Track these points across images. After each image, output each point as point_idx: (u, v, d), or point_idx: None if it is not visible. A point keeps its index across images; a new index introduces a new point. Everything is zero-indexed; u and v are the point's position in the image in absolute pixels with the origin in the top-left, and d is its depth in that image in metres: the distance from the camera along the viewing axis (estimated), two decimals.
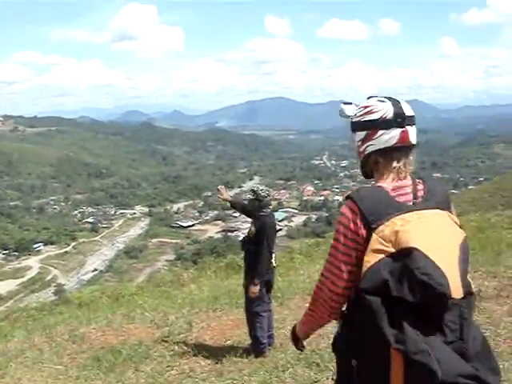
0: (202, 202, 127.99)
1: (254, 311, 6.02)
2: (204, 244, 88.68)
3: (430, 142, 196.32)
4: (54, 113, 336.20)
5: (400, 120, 2.34)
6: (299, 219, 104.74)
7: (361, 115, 2.42)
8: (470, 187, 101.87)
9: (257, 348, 5.92)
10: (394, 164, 2.35)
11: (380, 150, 2.36)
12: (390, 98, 2.40)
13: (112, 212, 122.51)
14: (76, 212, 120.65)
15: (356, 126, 2.45)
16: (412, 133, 2.38)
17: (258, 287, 5.90)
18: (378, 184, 2.34)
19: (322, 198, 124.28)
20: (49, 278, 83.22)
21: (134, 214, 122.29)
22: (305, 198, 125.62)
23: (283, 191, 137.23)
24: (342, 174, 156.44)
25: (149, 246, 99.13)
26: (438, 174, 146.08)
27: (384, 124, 2.33)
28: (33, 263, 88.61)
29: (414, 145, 2.41)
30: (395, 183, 2.32)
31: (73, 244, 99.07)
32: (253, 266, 6.02)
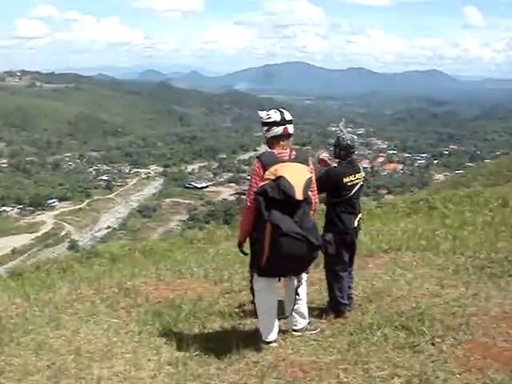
0: (216, 164, 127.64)
1: (332, 270, 5.57)
2: (217, 206, 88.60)
3: (448, 114, 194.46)
4: (72, 70, 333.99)
5: (283, 122, 4.78)
6: None
7: (266, 119, 4.84)
8: (486, 161, 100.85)
9: (336, 308, 5.48)
10: (280, 143, 4.79)
11: (273, 136, 4.80)
12: (279, 110, 4.83)
13: (127, 170, 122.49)
14: (91, 169, 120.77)
15: (263, 124, 4.85)
16: (290, 128, 4.81)
17: (332, 246, 5.45)
18: (272, 150, 4.75)
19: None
20: (63, 233, 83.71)
21: (149, 173, 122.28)
22: None
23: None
24: (357, 142, 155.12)
25: (162, 205, 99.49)
26: (454, 147, 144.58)
27: (275, 124, 4.78)
28: (47, 218, 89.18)
29: (291, 134, 4.83)
30: (280, 150, 4.73)
31: (87, 201, 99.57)
32: (325, 221, 5.62)
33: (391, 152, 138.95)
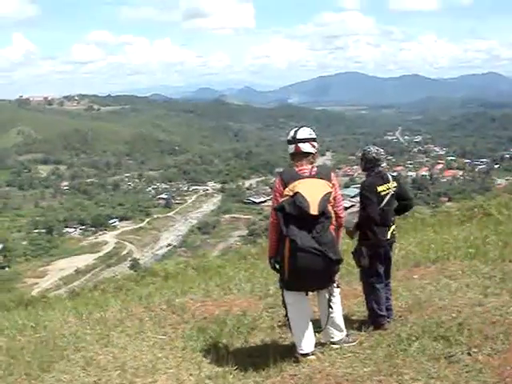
0: (273, 178, 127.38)
1: (368, 282, 5.59)
2: None
3: (507, 116, 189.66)
4: (128, 91, 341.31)
5: (294, 141, 4.98)
6: None
7: (287, 137, 5.10)
8: None
9: (374, 320, 5.49)
10: (296, 161, 4.96)
11: (290, 153, 5.03)
12: (297, 127, 5.09)
13: (185, 188, 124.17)
14: (150, 188, 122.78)
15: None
16: (304, 146, 4.95)
17: (365, 259, 5.46)
18: (293, 167, 4.92)
19: (395, 173, 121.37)
20: (124, 252, 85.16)
21: (207, 190, 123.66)
22: None
23: (356, 167, 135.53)
24: (415, 150, 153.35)
25: (221, 221, 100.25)
26: None
27: (289, 142, 5.03)
28: (109, 238, 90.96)
29: (306, 152, 4.96)
30: (300, 167, 4.88)
31: (147, 220, 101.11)
32: (358, 234, 5.60)
33: (450, 158, 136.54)
